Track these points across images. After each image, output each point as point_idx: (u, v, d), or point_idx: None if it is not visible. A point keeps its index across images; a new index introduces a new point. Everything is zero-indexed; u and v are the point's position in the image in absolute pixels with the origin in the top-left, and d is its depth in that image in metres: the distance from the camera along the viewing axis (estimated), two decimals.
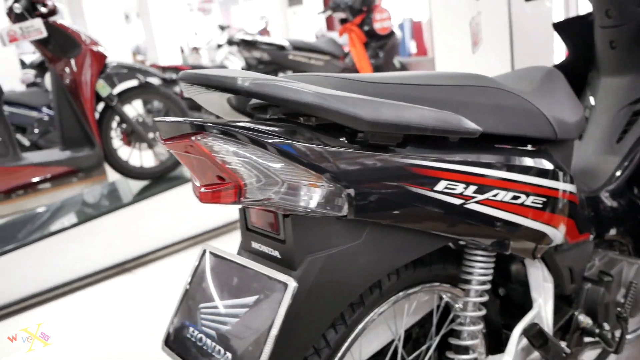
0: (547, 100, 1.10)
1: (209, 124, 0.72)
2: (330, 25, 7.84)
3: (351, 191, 0.79)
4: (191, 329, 0.86)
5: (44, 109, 5.36)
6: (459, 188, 0.89)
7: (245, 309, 0.79)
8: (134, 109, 3.90)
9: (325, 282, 0.81)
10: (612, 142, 1.53)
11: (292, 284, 0.76)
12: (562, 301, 1.32)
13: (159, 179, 3.85)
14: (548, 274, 1.19)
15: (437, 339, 1.15)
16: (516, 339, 1.07)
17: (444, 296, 1.15)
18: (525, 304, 1.19)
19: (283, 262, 0.83)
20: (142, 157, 3.94)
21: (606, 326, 1.31)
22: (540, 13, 2.07)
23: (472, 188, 0.90)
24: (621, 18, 1.52)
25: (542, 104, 1.05)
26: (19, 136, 4.71)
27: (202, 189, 0.78)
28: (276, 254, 0.84)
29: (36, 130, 5.30)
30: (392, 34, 5.20)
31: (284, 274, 0.78)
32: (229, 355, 0.78)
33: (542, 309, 1.14)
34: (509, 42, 2.05)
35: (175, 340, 0.88)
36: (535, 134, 1.02)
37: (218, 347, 0.80)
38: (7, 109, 3.37)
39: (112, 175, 5.10)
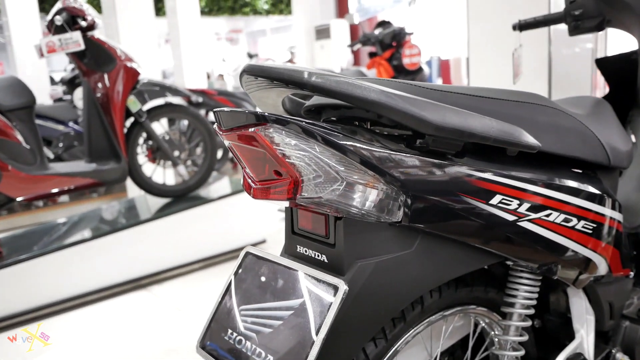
0: (601, 126, 1.08)
1: (271, 116, 0.70)
2: (357, 60, 7.94)
3: (407, 196, 0.77)
4: (229, 331, 0.83)
5: (70, 124, 5.46)
6: (514, 204, 0.86)
7: (290, 312, 0.77)
8: (162, 126, 3.94)
9: (373, 289, 0.79)
10: None
11: (343, 286, 0.73)
12: (600, 338, 1.27)
13: (180, 198, 3.85)
14: (589, 306, 1.15)
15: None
16: None
17: (480, 321, 1.11)
18: (563, 336, 1.15)
19: (331, 267, 0.80)
20: (165, 174, 3.95)
21: None
22: (579, 48, 2.07)
23: (526, 205, 0.88)
24: None
25: (597, 129, 1.04)
26: (44, 148, 4.78)
27: (256, 185, 0.76)
28: (323, 258, 0.82)
29: (61, 144, 5.38)
30: (420, 69, 5.24)
31: (334, 277, 0.76)
32: (270, 357, 0.75)
33: (585, 340, 1.10)
34: (547, 74, 2.04)
35: (211, 342, 0.86)
36: (590, 158, 1.00)
37: (258, 349, 0.77)
38: (36, 121, 3.43)
39: (132, 192, 5.13)
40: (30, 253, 3.08)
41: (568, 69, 2.14)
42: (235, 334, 0.82)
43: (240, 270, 0.89)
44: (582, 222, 0.97)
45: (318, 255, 0.83)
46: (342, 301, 0.73)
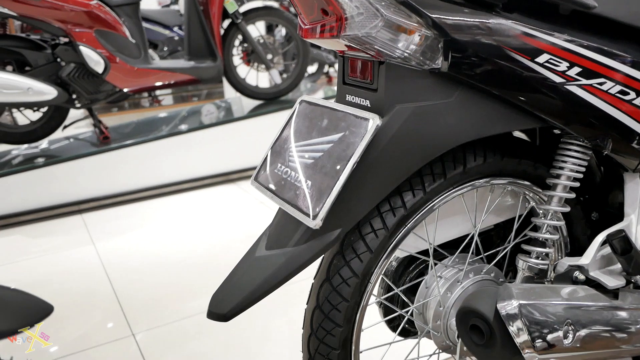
0: None
1: None
2: None
3: (449, 43, 0.80)
4: (279, 164, 0.93)
5: (175, 29, 5.70)
6: (562, 66, 0.86)
7: (330, 144, 0.84)
8: (257, 30, 4.04)
9: (409, 131, 0.84)
10: None
11: (376, 120, 0.79)
12: None
13: (272, 101, 4.00)
14: None
15: (516, 240, 1.14)
16: (599, 243, 1.03)
17: (530, 200, 1.13)
18: (612, 219, 1.15)
19: (373, 110, 0.86)
20: (258, 77, 4.10)
21: None
22: None
23: (577, 70, 0.88)
24: None
25: None
26: (150, 51, 5.06)
27: (307, 26, 0.82)
28: (367, 103, 0.88)
29: (165, 48, 5.66)
30: None
31: (369, 114, 0.82)
32: (309, 182, 0.84)
33: (633, 224, 1.09)
34: None
35: (263, 176, 0.96)
36: None
37: (301, 177, 0.86)
38: (143, 24, 3.64)
39: (229, 96, 5.36)
40: (134, 139, 3.39)
41: None
42: (283, 167, 0.92)
43: (294, 115, 0.97)
44: None
45: (363, 101, 0.89)
46: (374, 134, 0.79)
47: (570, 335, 0.87)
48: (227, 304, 0.85)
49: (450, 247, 1.15)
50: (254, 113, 3.76)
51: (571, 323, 0.88)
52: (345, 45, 0.84)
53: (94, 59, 3.21)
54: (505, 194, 1.15)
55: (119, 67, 3.33)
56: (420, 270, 1.16)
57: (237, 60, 3.96)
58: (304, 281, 1.12)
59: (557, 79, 0.87)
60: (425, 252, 1.09)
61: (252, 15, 3.82)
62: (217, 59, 3.65)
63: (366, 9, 0.77)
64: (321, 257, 0.98)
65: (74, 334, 1.91)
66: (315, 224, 0.80)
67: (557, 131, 1.03)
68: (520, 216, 1.16)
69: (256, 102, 4.01)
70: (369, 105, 0.87)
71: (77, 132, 3.90)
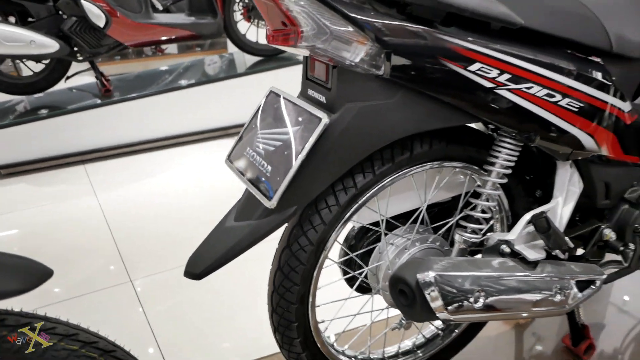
0: (616, 13, 1.14)
1: None
2: None
3: (390, 54, 0.93)
4: (248, 148, 1.08)
5: None
6: (493, 73, 1.00)
7: (288, 135, 0.99)
8: None
9: (357, 126, 0.98)
10: None
11: (325, 119, 0.94)
12: (593, 214, 1.41)
13: (271, 58, 4.08)
14: (579, 180, 1.28)
15: (459, 215, 1.29)
16: (524, 222, 1.19)
17: (477, 180, 1.28)
18: (542, 201, 1.30)
19: (327, 106, 1.01)
20: (258, 34, 4.17)
21: (631, 246, 1.38)
22: None
23: (506, 76, 1.01)
24: None
25: (605, 14, 1.10)
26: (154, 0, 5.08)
27: (271, 33, 0.96)
28: (323, 99, 1.02)
29: None
30: None
31: (322, 112, 0.96)
32: (269, 167, 0.99)
33: (559, 206, 1.24)
34: None
35: (235, 157, 1.11)
36: (587, 41, 1.08)
37: (263, 161, 1.02)
38: None
39: (232, 49, 5.43)
40: (136, 93, 3.52)
41: None
42: (251, 151, 1.07)
43: (262, 104, 1.11)
44: (567, 100, 1.08)
45: (320, 97, 1.03)
46: (322, 131, 0.94)
47: (481, 300, 1.05)
48: (200, 266, 1.03)
49: (407, 218, 1.31)
50: (253, 70, 3.87)
51: (482, 290, 1.05)
52: None
53: (95, 13, 3.29)
54: (455, 173, 1.30)
55: (120, 21, 3.42)
56: (376, 237, 1.33)
57: (237, 16, 4.03)
58: None
59: (489, 84, 1.01)
60: (398, 218, 1.26)
61: None
62: (217, 15, 3.72)
63: (318, 25, 0.90)
64: (284, 227, 1.14)
65: (76, 279, 2.11)
66: (271, 204, 0.96)
67: (491, 126, 1.18)
68: (467, 193, 1.31)
69: (257, 58, 4.10)
70: (324, 102, 1.01)
71: (79, 83, 4.02)
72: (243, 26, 4.07)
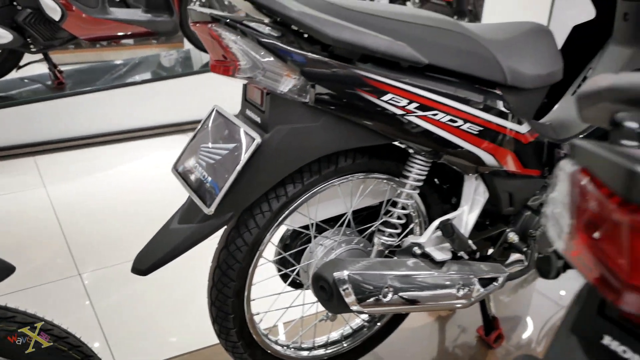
0: (511, 51, 1.33)
1: (221, 18, 1.02)
2: None
3: (314, 85, 1.09)
4: (192, 160, 1.22)
5: None
6: (402, 102, 1.17)
7: (226, 151, 1.14)
8: None
9: (286, 145, 1.14)
10: None
11: (258, 139, 1.09)
12: (500, 219, 1.61)
13: None
14: (484, 190, 1.47)
15: (380, 220, 1.47)
16: (433, 227, 1.38)
17: (397, 189, 1.46)
18: (452, 210, 1.50)
19: (261, 126, 1.16)
20: None
21: (532, 248, 1.60)
22: None
23: (415, 105, 1.18)
24: None
25: (501, 52, 1.29)
26: None
27: (213, 62, 1.10)
28: (258, 120, 1.17)
29: None
30: None
31: (256, 132, 1.11)
32: (209, 178, 1.14)
33: (465, 214, 1.44)
34: None
35: (180, 166, 1.25)
36: (484, 76, 1.27)
37: (204, 173, 1.16)
38: None
39: (188, 43, 5.48)
40: (90, 87, 3.57)
41: None
42: (194, 162, 1.21)
43: (207, 120, 1.26)
44: (468, 124, 1.26)
45: (255, 118, 1.18)
46: (254, 150, 1.09)
47: (389, 295, 1.23)
48: (145, 263, 1.16)
49: (337, 221, 1.48)
50: (206, 69, 3.97)
51: (390, 286, 1.23)
52: None
53: (50, 6, 3.32)
54: (378, 182, 1.48)
55: (76, 15, 3.45)
56: (309, 239, 1.49)
57: None
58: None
59: (399, 112, 1.18)
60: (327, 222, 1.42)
61: None
62: (174, 13, 3.80)
63: (253, 63, 1.05)
64: (224, 228, 1.29)
65: (23, 271, 2.18)
66: (209, 211, 1.11)
67: (403, 146, 1.36)
68: (388, 200, 1.49)
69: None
70: (259, 122, 1.17)
71: (32, 73, 4.02)
72: None
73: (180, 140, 3.65)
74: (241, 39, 1.04)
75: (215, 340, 1.46)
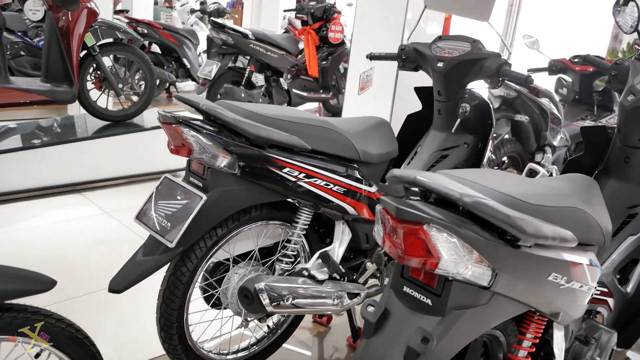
0: (362, 138, 2.06)
1: (181, 121, 1.63)
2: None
3: (240, 162, 1.71)
4: (152, 210, 1.76)
5: (20, 34, 5.91)
6: (295, 173, 1.83)
7: (180, 205, 1.71)
8: (110, 60, 4.65)
9: (221, 201, 1.74)
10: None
11: (204, 197, 1.68)
12: (360, 253, 2.30)
13: (118, 123, 4.62)
14: (349, 232, 2.16)
15: (279, 254, 2.08)
16: (315, 257, 2.03)
17: (289, 232, 2.09)
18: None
19: (202, 189, 1.74)
20: (108, 101, 4.70)
21: (383, 274, 2.30)
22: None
23: (302, 174, 1.85)
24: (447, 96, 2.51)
25: (355, 139, 2.01)
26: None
27: (173, 147, 1.69)
28: (200, 184, 1.76)
29: (9, 52, 5.87)
30: (342, 43, 6.13)
31: (202, 193, 1.70)
32: (169, 224, 1.69)
33: (336, 248, 2.11)
34: (392, 92, 3.03)
35: (142, 216, 1.78)
36: (346, 155, 1.97)
37: (164, 220, 1.71)
38: None
39: (70, 109, 5.75)
40: None
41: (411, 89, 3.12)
42: (155, 213, 1.75)
43: (160, 185, 1.81)
44: (337, 187, 1.95)
45: (198, 182, 1.76)
46: (203, 205, 1.67)
47: (290, 300, 1.84)
48: (121, 284, 1.67)
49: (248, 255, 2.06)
50: (103, 134, 4.36)
51: (290, 294, 1.84)
52: None
53: None
54: (277, 227, 2.09)
55: None
56: (227, 268, 2.05)
57: (89, 85, 4.52)
58: None
59: (293, 179, 1.83)
60: (240, 256, 2.00)
61: (108, 48, 4.44)
62: (74, 85, 4.20)
63: (202, 148, 1.65)
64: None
65: None
66: (172, 245, 1.66)
67: (294, 201, 2.01)
68: (284, 240, 2.11)
69: (97, 122, 4.57)
70: (201, 186, 1.75)
71: None
72: (94, 94, 4.57)
73: (75, 201, 3.98)
74: (196, 134, 1.65)
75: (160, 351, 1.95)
